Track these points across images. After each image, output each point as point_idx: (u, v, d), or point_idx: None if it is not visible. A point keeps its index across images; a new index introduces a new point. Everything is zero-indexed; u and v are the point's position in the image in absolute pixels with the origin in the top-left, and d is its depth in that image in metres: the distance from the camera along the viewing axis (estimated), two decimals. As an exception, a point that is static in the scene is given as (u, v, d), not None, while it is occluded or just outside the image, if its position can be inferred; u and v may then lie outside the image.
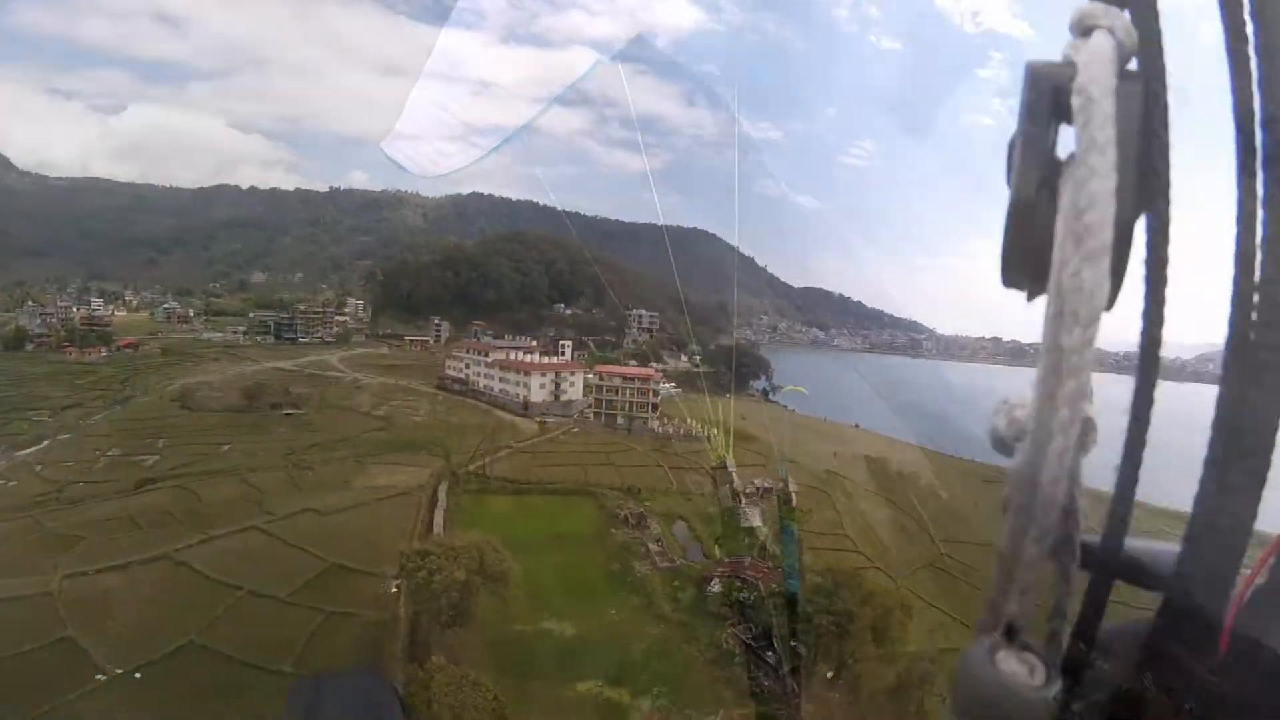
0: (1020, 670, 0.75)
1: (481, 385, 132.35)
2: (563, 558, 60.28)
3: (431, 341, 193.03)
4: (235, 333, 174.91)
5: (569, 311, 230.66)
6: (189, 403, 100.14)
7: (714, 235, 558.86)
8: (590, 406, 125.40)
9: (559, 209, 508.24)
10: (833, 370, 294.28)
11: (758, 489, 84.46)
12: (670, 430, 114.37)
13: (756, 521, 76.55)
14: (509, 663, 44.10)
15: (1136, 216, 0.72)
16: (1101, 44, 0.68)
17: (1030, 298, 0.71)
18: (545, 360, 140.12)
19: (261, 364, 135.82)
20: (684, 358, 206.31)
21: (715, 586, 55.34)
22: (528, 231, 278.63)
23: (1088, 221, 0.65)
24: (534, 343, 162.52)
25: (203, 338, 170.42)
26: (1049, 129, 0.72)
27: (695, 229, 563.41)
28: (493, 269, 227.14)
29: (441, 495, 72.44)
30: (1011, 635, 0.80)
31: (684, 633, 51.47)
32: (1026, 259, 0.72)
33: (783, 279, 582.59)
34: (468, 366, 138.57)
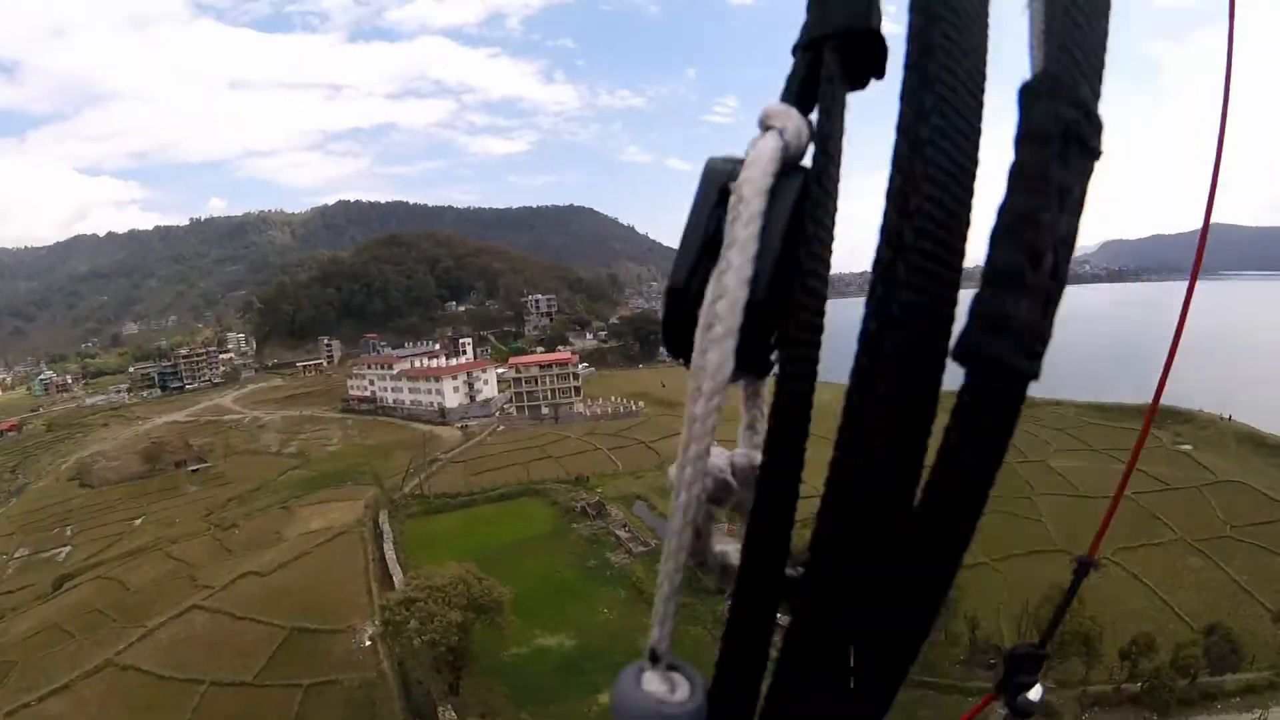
0: (663, 689, 0.79)
1: (391, 400, 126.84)
2: (533, 564, 57.82)
3: (325, 364, 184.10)
4: (119, 391, 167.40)
5: (462, 308, 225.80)
6: (88, 479, 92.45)
7: (591, 209, 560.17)
8: (509, 401, 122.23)
9: (430, 205, 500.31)
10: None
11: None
12: (598, 410, 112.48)
13: None
14: (520, 695, 41.71)
15: (772, 300, 0.73)
16: (766, 145, 0.73)
17: (687, 365, 0.76)
18: (453, 363, 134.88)
19: (153, 420, 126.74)
20: (589, 336, 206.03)
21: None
22: (404, 232, 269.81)
23: (718, 309, 0.70)
24: (437, 346, 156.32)
25: (86, 403, 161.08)
26: (710, 221, 0.76)
27: (571, 205, 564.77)
28: (375, 277, 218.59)
29: (385, 525, 68.52)
30: (655, 658, 0.83)
31: (689, 618, 49.84)
32: (677, 335, 0.77)
33: (665, 244, 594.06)
34: (373, 383, 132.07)
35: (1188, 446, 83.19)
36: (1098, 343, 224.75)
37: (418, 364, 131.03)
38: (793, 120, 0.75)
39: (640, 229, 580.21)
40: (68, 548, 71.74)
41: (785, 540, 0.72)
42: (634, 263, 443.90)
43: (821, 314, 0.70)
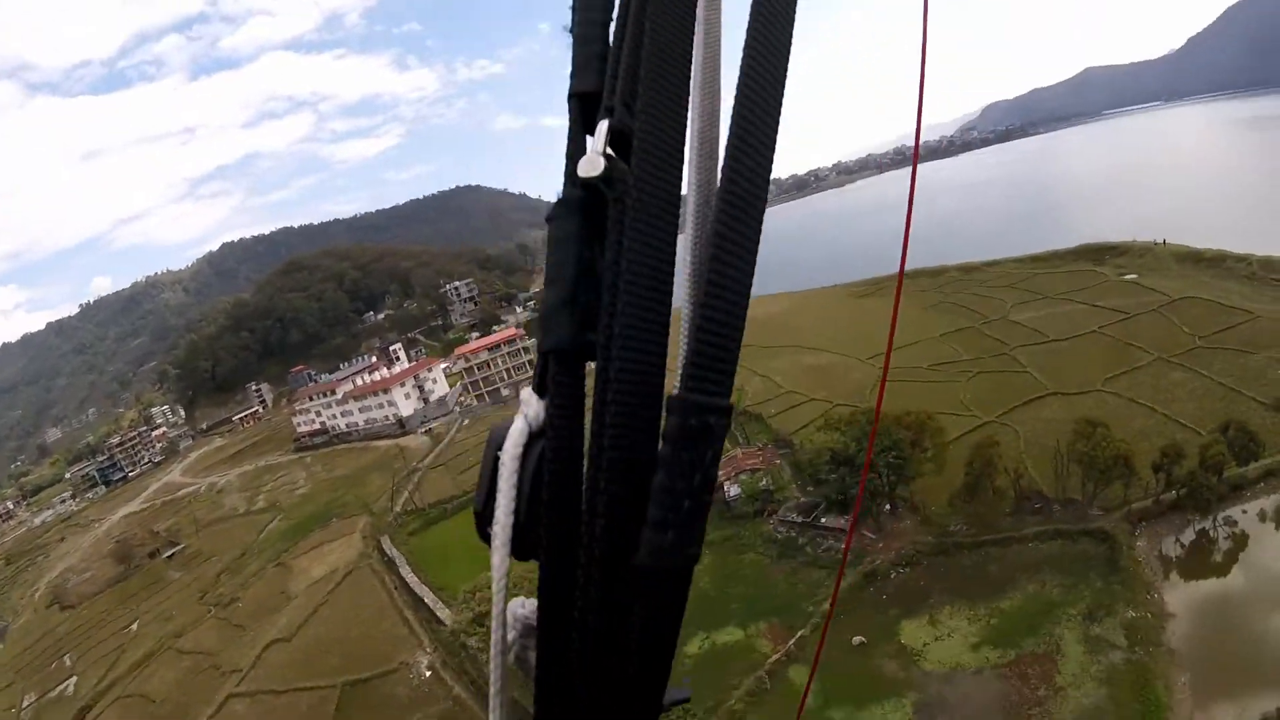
0: None
1: (344, 425, 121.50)
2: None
3: (261, 410, 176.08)
4: (64, 501, 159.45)
5: (381, 316, 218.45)
6: (66, 600, 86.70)
7: (477, 186, 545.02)
8: (465, 393, 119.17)
9: (317, 224, 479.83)
10: None
11: None
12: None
13: None
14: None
15: (528, 521, 1.17)
16: (516, 427, 1.18)
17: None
18: (397, 370, 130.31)
19: (110, 519, 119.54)
20: (519, 310, 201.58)
21: (733, 490, 53.49)
22: (301, 255, 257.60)
23: (496, 529, 1.16)
24: (374, 360, 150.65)
25: (35, 523, 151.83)
26: (489, 470, 1.20)
27: (457, 187, 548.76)
28: (284, 308, 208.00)
29: (391, 550, 66.27)
30: None
31: (733, 550, 49.71)
32: (484, 537, 1.20)
33: None
34: (320, 414, 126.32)
35: (1132, 276, 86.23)
36: (1006, 202, 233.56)
37: (360, 381, 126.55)
38: (533, 406, 1.21)
39: (532, 194, 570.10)
40: (73, 679, 66.85)
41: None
42: (535, 229, 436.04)
43: (563, 525, 1.13)
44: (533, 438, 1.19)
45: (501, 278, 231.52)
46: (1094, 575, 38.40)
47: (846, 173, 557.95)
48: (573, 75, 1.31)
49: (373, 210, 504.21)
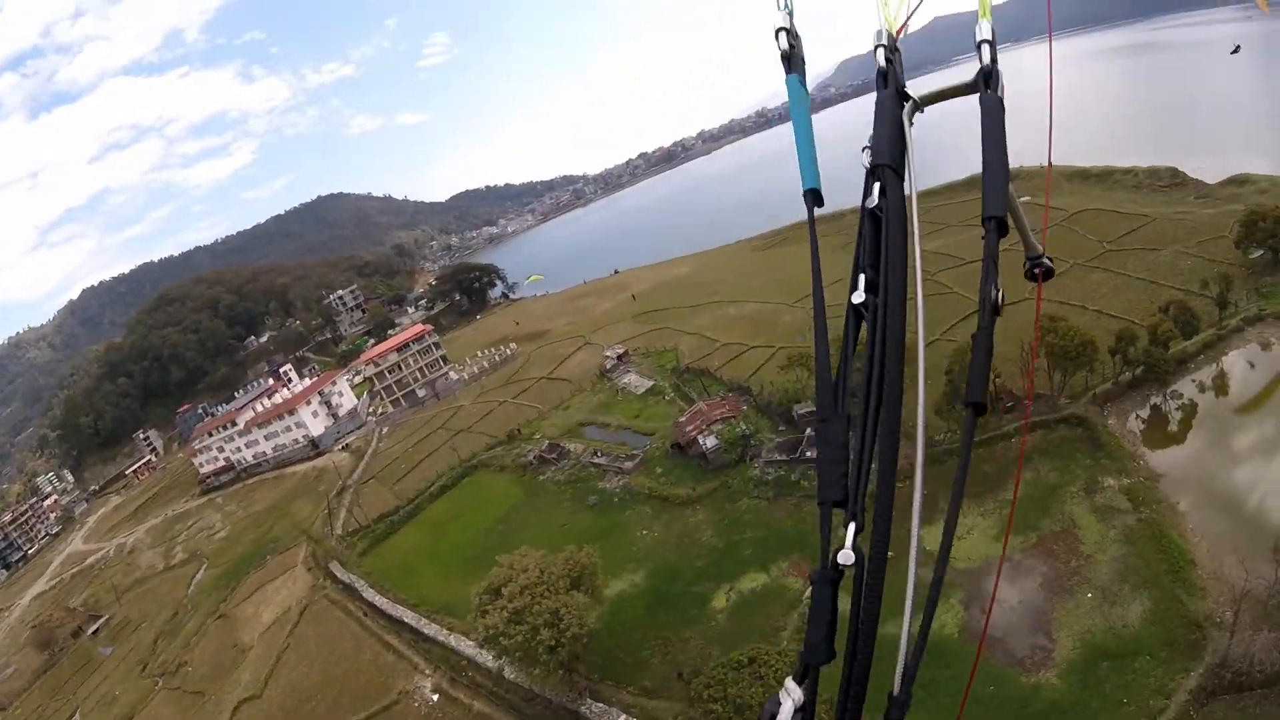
0: None
1: (251, 457, 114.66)
2: (537, 530, 54.73)
3: (154, 458, 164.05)
4: None
5: (265, 339, 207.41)
6: (-8, 701, 76.88)
7: (340, 193, 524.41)
8: (379, 400, 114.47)
9: (178, 254, 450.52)
10: (530, 253, 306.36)
11: (615, 356, 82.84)
12: (475, 370, 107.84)
13: (638, 380, 75.45)
14: (631, 656, 39.65)
15: None
16: (786, 708, 1.89)
17: None
18: (298, 388, 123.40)
19: (19, 603, 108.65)
20: (412, 309, 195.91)
21: (710, 442, 53.13)
22: (169, 288, 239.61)
23: None
24: (270, 382, 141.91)
25: None
26: None
27: (319, 197, 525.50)
28: (159, 346, 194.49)
29: (345, 575, 62.37)
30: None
31: (726, 499, 49.37)
32: None
33: (427, 200, 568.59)
34: (223, 449, 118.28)
35: (1027, 197, 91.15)
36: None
37: (261, 407, 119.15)
38: (795, 693, 1.85)
39: (397, 195, 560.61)
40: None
41: None
42: (404, 230, 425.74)
43: None
44: (795, 713, 1.83)
45: (383, 281, 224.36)
46: (1081, 455, 40.90)
47: (712, 139, 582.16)
48: (821, 488, 1.93)
49: (235, 233, 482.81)
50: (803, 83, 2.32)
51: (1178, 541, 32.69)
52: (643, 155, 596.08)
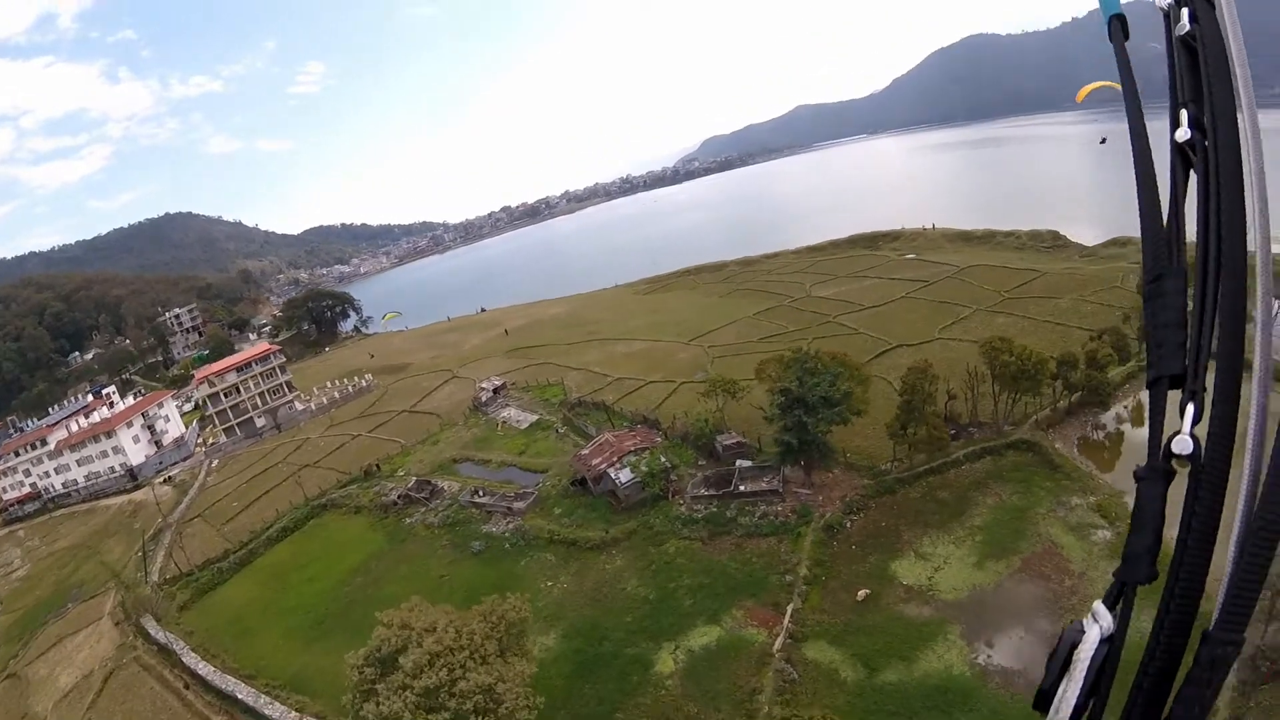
0: None
1: (60, 485, 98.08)
2: (405, 581, 45.73)
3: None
4: None
5: (90, 356, 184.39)
6: None
7: (190, 213, 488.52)
8: (210, 428, 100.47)
9: (9, 258, 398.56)
10: (385, 291, 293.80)
11: (490, 389, 75.16)
12: (324, 400, 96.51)
13: (519, 414, 68.08)
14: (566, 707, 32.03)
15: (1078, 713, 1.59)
16: (1093, 633, 1.59)
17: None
18: (120, 408, 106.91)
19: None
20: (254, 336, 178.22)
21: (623, 476, 46.38)
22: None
23: (1057, 717, 1.60)
24: (90, 399, 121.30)
25: None
26: (1056, 664, 1.58)
27: (167, 214, 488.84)
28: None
29: (161, 634, 50.34)
30: None
31: (650, 541, 42.52)
32: (1040, 701, 1.62)
33: (279, 230, 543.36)
34: (29, 473, 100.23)
35: (912, 255, 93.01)
36: (745, 212, 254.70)
37: (76, 426, 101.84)
38: (1105, 618, 1.57)
39: (249, 222, 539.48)
40: None
41: None
42: (250, 259, 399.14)
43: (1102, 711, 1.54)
44: (1101, 643, 1.57)
45: (225, 306, 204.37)
46: (1039, 478, 39.22)
47: (577, 200, 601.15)
48: (1157, 361, 1.62)
49: (74, 242, 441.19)
50: None
51: (1167, 553, 29.88)
52: (505, 209, 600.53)
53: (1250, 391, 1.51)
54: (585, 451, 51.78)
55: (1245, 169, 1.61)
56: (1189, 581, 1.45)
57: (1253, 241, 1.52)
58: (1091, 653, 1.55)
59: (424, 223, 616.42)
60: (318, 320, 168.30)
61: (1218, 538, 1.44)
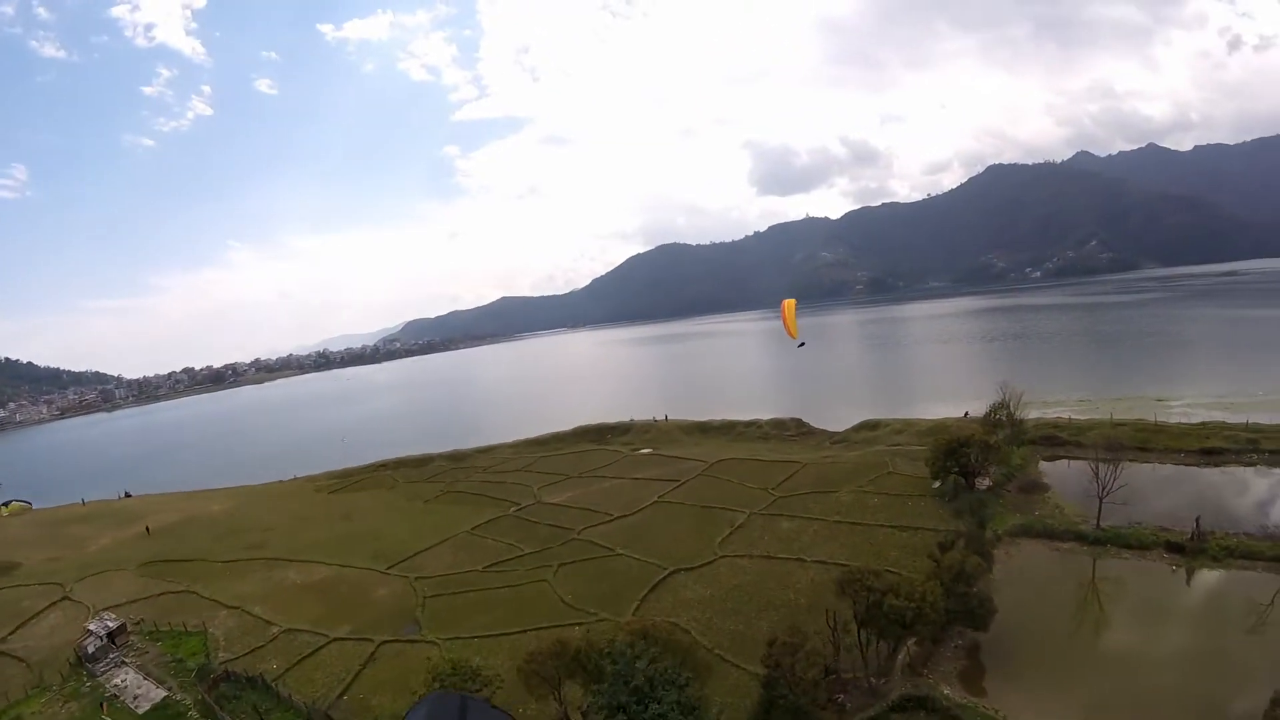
0: None
1: None
2: None
3: None
4: None
5: None
6: None
7: None
8: None
9: None
10: (30, 451, 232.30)
11: (104, 633, 48.53)
12: None
13: (139, 682, 42.82)
14: None
15: None
16: None
17: None
18: None
19: None
20: None
21: None
22: None
23: None
24: None
25: None
26: None
27: None
28: None
29: None
30: None
31: None
32: None
33: None
34: None
35: (647, 450, 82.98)
36: (450, 396, 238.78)
37: None
38: None
39: None
40: None
41: None
42: None
43: None
44: None
45: None
46: None
47: (267, 370, 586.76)
48: None
49: None
50: None
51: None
52: (188, 370, 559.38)
53: None
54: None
55: None
56: None
57: None
58: None
59: (97, 373, 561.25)
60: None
61: None
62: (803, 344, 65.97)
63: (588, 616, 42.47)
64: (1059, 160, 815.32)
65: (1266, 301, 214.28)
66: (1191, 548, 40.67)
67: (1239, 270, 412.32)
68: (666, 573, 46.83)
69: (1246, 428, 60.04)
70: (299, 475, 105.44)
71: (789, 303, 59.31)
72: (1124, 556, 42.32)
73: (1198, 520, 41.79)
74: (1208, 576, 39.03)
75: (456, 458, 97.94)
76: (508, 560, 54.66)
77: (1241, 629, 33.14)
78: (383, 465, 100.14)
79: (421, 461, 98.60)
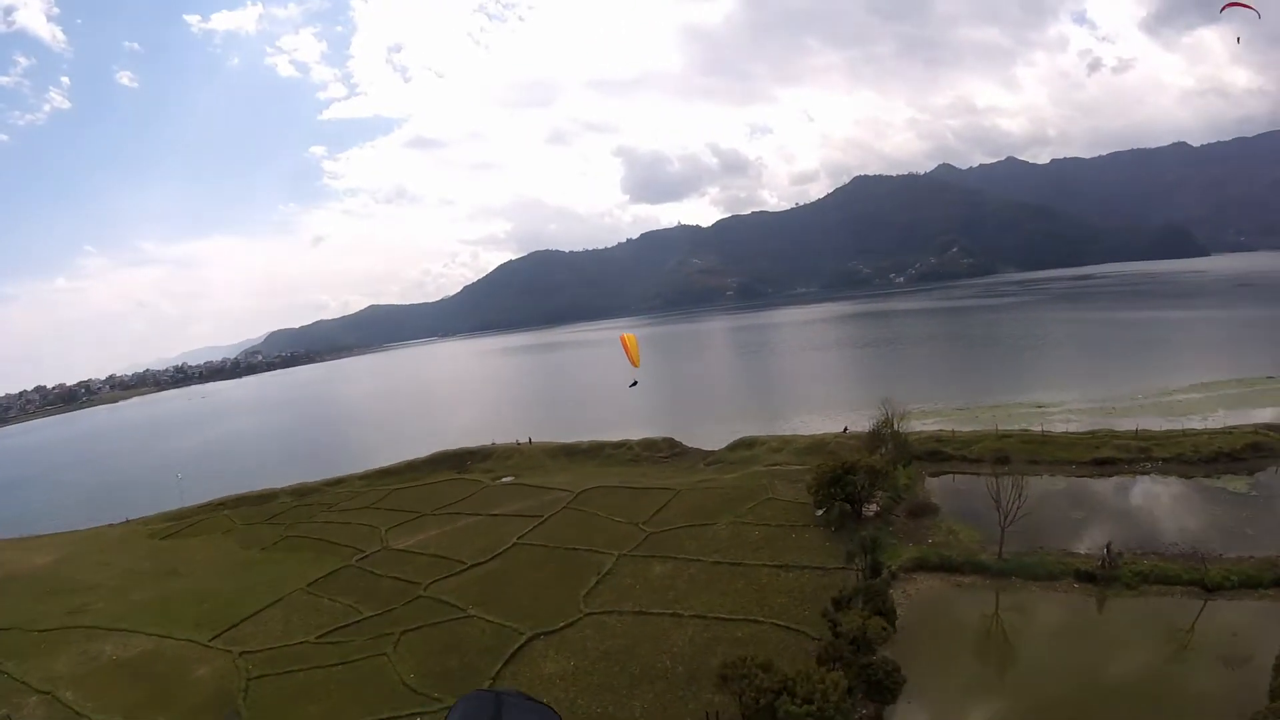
0: None
1: None
2: None
3: None
4: None
5: None
6: None
7: None
8: None
9: None
10: None
11: None
12: None
13: None
14: None
15: None
16: None
17: None
18: None
19: None
20: None
21: None
22: None
23: None
24: None
25: None
26: None
27: None
28: None
29: None
30: None
31: None
32: None
33: None
34: None
35: (509, 478, 75.41)
36: (307, 417, 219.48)
37: None
38: None
39: None
40: None
41: None
42: None
43: None
44: None
45: None
46: None
47: (123, 388, 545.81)
48: None
49: None
50: None
51: None
52: (40, 389, 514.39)
53: None
54: None
55: None
56: None
57: None
58: None
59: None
60: None
61: None
62: (635, 384, 61.87)
63: (431, 703, 35.39)
64: (922, 172, 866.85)
65: (1123, 304, 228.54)
66: (1104, 576, 37.43)
67: (1092, 274, 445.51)
68: (525, 639, 40.00)
69: (1136, 435, 59.04)
70: (132, 518, 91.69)
71: (628, 336, 54.96)
72: (1032, 589, 38.69)
73: (1108, 547, 38.69)
74: (1124, 605, 36.03)
75: (302, 492, 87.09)
76: (344, 627, 46.34)
77: (1163, 658, 31.36)
78: (221, 504, 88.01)
79: (264, 498, 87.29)
